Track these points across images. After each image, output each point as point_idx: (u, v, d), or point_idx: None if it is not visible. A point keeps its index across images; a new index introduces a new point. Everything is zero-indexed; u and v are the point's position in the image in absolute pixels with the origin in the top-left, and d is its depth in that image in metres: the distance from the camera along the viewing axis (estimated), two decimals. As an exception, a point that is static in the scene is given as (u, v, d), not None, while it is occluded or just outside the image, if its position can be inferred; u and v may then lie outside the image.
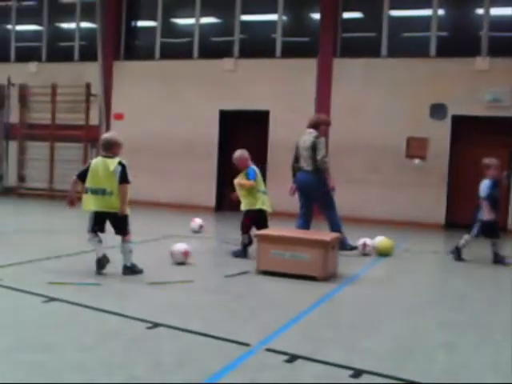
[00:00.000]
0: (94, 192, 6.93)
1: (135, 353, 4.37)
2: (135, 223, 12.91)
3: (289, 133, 14.83)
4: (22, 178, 18.36)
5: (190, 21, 17.01)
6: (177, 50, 17.17)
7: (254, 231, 8.46)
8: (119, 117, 17.09)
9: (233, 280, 7.16)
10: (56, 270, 7.30)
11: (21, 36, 19.08)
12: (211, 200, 16.03)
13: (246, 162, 8.81)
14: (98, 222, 7.11)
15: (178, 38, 17.50)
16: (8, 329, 4.85)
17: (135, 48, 17.89)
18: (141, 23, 18.14)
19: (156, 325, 5.05)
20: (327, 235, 7.73)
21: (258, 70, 15.76)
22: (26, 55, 18.63)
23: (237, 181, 8.76)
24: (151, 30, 17.47)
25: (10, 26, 19.11)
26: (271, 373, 4.07)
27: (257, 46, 16.38)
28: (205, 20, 16.91)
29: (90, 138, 17.36)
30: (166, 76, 16.70)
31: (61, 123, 17.66)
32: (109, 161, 6.93)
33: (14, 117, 18.35)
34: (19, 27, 19.05)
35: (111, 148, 7.00)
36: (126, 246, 7.17)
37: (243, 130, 16.24)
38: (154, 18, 17.40)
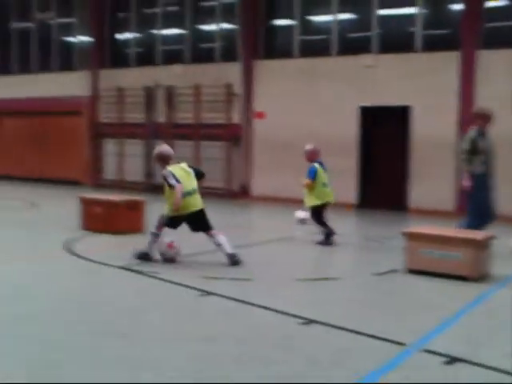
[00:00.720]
0: (189, 194, 7.51)
1: (291, 348, 4.47)
2: (278, 220, 13.17)
3: (431, 128, 14.47)
4: (168, 176, 19.20)
5: (328, 17, 17.01)
6: (315, 47, 17.23)
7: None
8: (260, 115, 17.44)
9: (381, 278, 7.11)
10: (208, 264, 7.62)
11: (166, 40, 19.99)
12: (351, 197, 15.95)
13: (314, 156, 9.50)
14: (180, 223, 7.63)
15: (315, 35, 17.57)
16: (170, 319, 5.14)
17: (274, 47, 18.17)
18: (279, 22, 18.38)
19: (309, 321, 5.13)
20: (479, 234, 7.46)
21: (398, 65, 15.46)
22: (172, 58, 19.48)
23: (304, 180, 9.39)
24: (289, 28, 17.66)
25: (156, 31, 20.08)
26: (431, 374, 4.02)
27: (396, 40, 16.06)
28: (342, 16, 16.85)
29: (231, 137, 17.87)
30: (305, 74, 16.81)
31: (204, 122, 18.32)
32: (184, 164, 7.79)
33: (161, 117, 19.27)
34: (164, 31, 19.97)
35: (170, 159, 7.75)
36: (222, 237, 7.62)
37: (383, 126, 16.01)
38: (291, 17, 17.57)
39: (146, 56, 20.16)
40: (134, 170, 19.70)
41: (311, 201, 9.35)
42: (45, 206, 14.35)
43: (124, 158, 20.09)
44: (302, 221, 11.48)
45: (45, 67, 22.31)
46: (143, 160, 19.57)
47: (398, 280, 7.05)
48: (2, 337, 4.52)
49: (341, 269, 7.81)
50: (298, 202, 16.28)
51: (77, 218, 10.24)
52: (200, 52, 19.28)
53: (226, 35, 18.76)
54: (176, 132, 18.90)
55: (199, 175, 7.77)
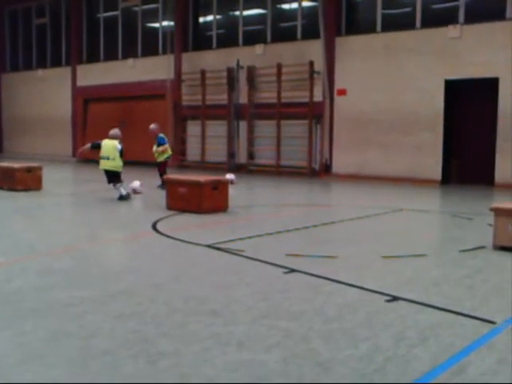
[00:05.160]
0: (105, 158, 11.78)
1: (378, 325, 4.46)
2: (364, 197, 13.04)
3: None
4: (251, 156, 19.38)
5: (412, -11, 16.58)
6: (398, 21, 16.85)
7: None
8: (342, 92, 17.26)
9: (468, 255, 6.95)
10: (292, 242, 7.66)
11: (247, 21, 20.04)
12: (437, 173, 15.60)
13: (159, 131, 13.84)
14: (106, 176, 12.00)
15: (399, 9, 17.16)
16: (258, 297, 5.21)
17: (356, 22, 17.88)
18: (361, -3, 18.08)
19: (395, 298, 5.10)
20: None
21: (486, 35, 14.88)
22: (253, 38, 19.52)
23: (155, 149, 13.63)
24: (372, 2, 17.32)
25: (237, 13, 20.16)
26: (522, 353, 3.92)
27: (484, 8, 15.46)
28: (427, -14, 16.38)
29: (314, 115, 17.79)
30: (388, 48, 16.49)
31: (286, 101, 18.32)
32: (117, 142, 11.83)
33: (243, 97, 19.40)
34: (245, 12, 20.01)
35: (116, 137, 11.97)
36: (118, 185, 11.92)
37: (470, 100, 15.52)
38: (374, -9, 17.24)
39: (228, 37, 20.31)
40: (217, 151, 19.98)
41: (162, 157, 13.56)
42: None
43: (207, 139, 20.40)
44: (135, 190, 13.33)
45: (130, 53, 22.89)
46: (226, 140, 19.80)
47: (486, 257, 6.88)
48: (100, 313, 4.71)
49: (427, 245, 7.68)
50: (380, 179, 16.15)
51: (163, 198, 10.52)
52: (281, 31, 19.24)
53: (307, 13, 18.62)
54: (258, 112, 19.00)
55: (121, 154, 11.89)
